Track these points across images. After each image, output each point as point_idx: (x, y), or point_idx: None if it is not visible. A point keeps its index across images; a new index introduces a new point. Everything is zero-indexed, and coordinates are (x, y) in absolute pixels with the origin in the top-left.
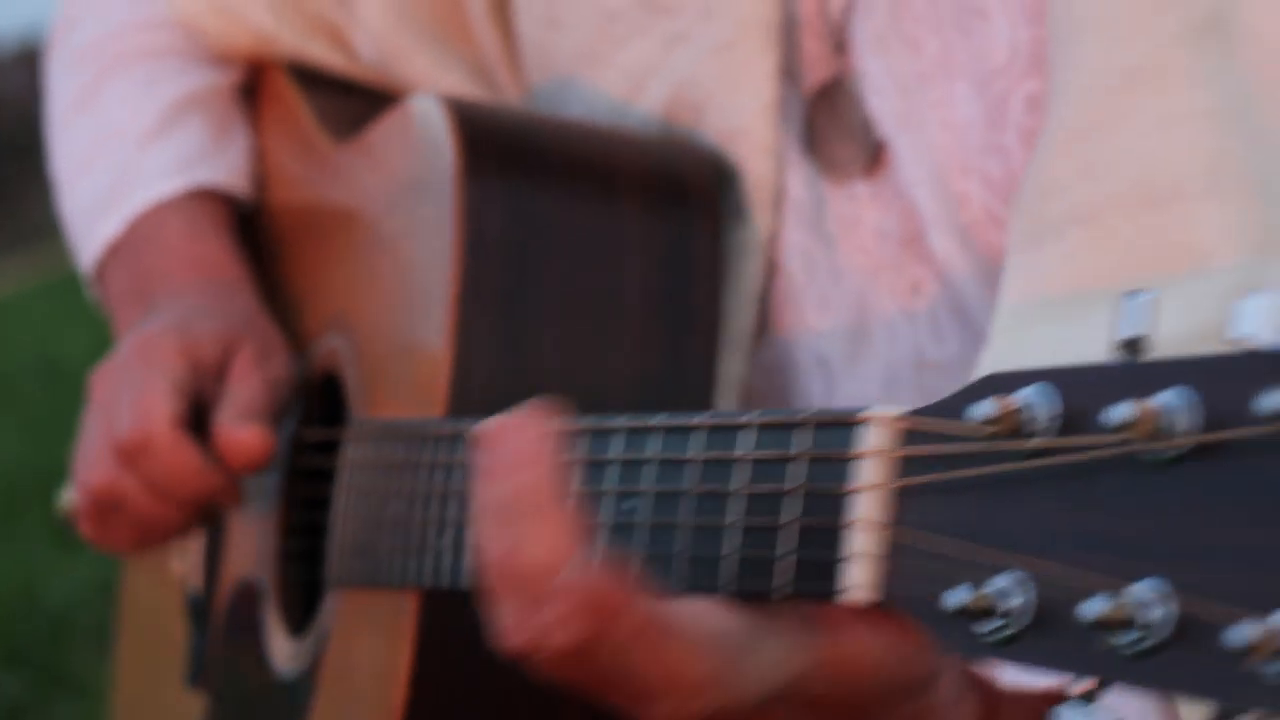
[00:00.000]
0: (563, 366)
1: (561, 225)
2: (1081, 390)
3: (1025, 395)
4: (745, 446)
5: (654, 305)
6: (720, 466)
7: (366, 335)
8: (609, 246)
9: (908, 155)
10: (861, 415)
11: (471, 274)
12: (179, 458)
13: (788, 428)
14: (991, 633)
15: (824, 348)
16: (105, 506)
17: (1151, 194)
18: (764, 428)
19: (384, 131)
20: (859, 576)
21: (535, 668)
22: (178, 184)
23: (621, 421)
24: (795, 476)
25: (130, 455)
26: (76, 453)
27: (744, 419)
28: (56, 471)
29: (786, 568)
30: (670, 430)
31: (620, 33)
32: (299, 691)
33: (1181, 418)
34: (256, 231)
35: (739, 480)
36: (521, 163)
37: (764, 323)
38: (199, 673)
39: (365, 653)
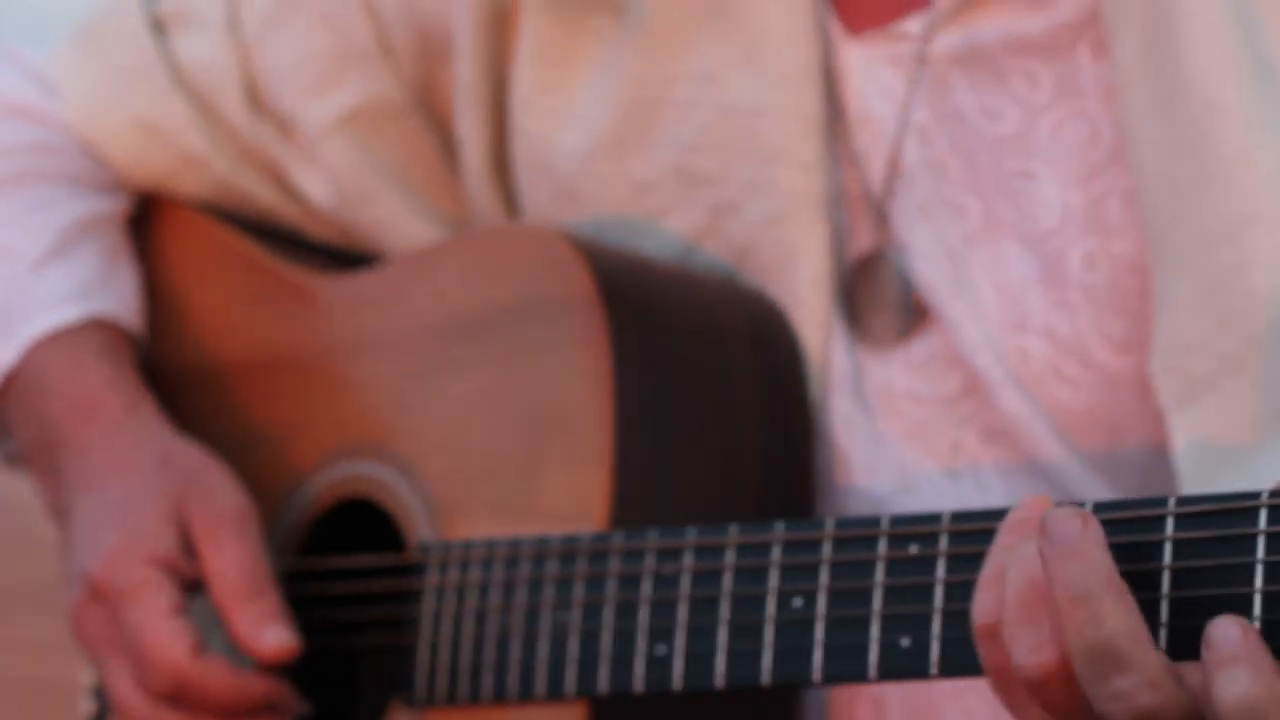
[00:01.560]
0: (697, 484)
1: (685, 359)
2: None
3: None
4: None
5: (764, 447)
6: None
7: (428, 458)
8: (725, 385)
9: (963, 320)
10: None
11: (621, 393)
12: (219, 684)
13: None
14: None
15: (877, 509)
16: None
17: None
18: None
19: (454, 260)
20: None
21: None
22: (75, 313)
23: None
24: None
25: (173, 697)
26: (113, 700)
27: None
28: None
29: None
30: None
31: (654, 204)
32: None
33: None
34: (174, 363)
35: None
36: (644, 293)
37: (815, 489)
38: None
39: None
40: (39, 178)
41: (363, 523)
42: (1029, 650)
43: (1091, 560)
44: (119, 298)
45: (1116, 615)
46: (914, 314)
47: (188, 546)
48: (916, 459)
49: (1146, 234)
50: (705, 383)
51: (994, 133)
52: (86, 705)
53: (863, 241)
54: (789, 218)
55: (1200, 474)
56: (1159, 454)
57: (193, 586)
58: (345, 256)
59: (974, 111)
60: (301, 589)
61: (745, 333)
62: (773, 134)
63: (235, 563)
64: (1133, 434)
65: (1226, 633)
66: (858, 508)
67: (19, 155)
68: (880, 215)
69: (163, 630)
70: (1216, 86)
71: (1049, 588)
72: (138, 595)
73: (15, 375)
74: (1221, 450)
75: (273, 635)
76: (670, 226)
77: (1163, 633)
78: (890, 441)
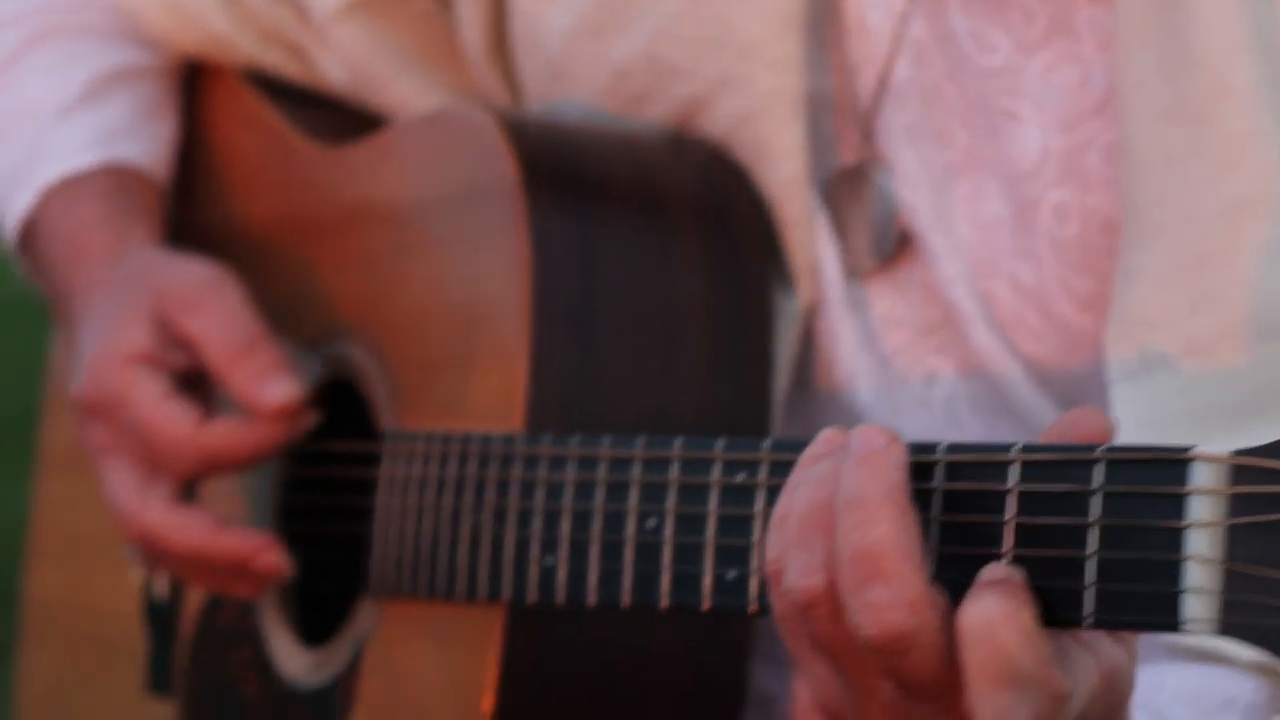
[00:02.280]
0: (631, 382)
1: (620, 242)
2: None
3: None
4: (1016, 479)
5: (711, 324)
6: (993, 498)
7: (396, 345)
8: (665, 264)
9: (941, 252)
10: (1190, 453)
11: (541, 288)
12: (239, 441)
13: (1083, 464)
14: None
15: (861, 418)
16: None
17: (1268, 324)
18: (1030, 464)
19: (411, 138)
20: (1198, 610)
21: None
22: (92, 158)
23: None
24: (1098, 510)
25: (199, 474)
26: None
27: (1011, 454)
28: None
29: (1096, 597)
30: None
31: (632, 91)
32: (328, 701)
33: None
34: (212, 233)
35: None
36: (576, 176)
37: (800, 383)
38: (164, 679)
39: (429, 663)
40: (73, 31)
41: (353, 404)
42: (800, 573)
43: (880, 470)
44: (145, 148)
45: (888, 524)
46: (898, 240)
47: (167, 341)
48: (890, 385)
49: (1125, 195)
50: (645, 273)
51: (985, 64)
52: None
53: (848, 156)
54: (762, 115)
55: None
56: None
57: (182, 376)
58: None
59: (967, 38)
60: (297, 470)
61: (698, 218)
62: (748, 27)
63: (218, 324)
64: (1090, 389)
65: (993, 568)
66: (840, 414)
67: (55, 11)
68: (866, 130)
69: (163, 416)
70: (1225, 63)
71: (832, 501)
72: (126, 396)
73: (33, 223)
74: (1163, 435)
75: (275, 387)
76: (650, 116)
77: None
78: (866, 361)
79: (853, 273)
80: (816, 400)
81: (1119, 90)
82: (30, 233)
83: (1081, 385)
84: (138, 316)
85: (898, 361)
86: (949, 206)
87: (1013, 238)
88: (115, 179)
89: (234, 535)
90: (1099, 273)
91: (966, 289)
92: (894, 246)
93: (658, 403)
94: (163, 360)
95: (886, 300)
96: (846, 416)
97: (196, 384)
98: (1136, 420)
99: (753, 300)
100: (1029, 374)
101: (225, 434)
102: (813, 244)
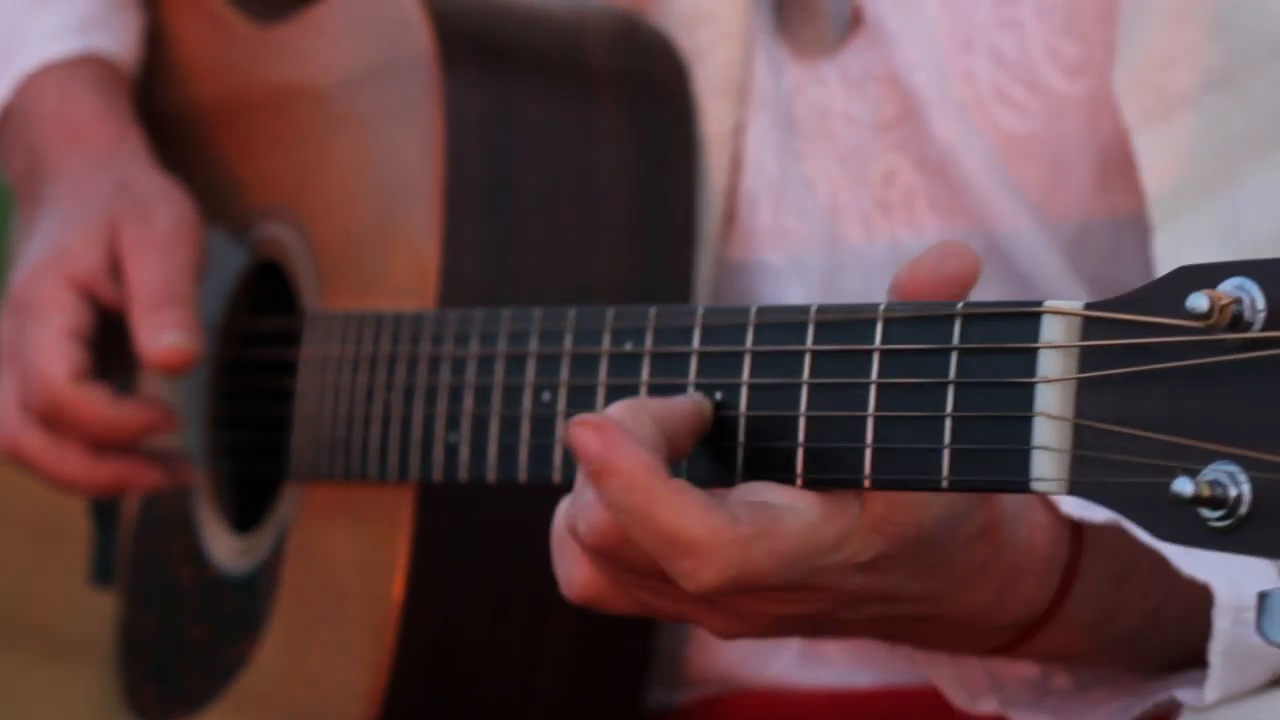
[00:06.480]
0: (547, 258)
1: (538, 115)
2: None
3: (1234, 289)
4: (881, 340)
5: (631, 197)
6: (856, 358)
7: (320, 224)
8: (585, 137)
9: (904, 37)
10: (1042, 308)
11: (455, 163)
12: (93, 412)
13: (938, 320)
14: (1215, 521)
15: (799, 251)
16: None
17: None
18: (901, 321)
19: (334, 13)
20: (1047, 469)
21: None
22: (71, 46)
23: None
24: (959, 369)
25: (47, 419)
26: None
27: (878, 311)
28: None
29: (954, 457)
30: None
31: None
32: (254, 587)
33: None
34: (162, 119)
35: (880, 373)
36: (495, 49)
37: (730, 220)
38: (108, 572)
39: (345, 546)
40: None
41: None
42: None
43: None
44: (118, 38)
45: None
46: (850, 23)
47: (113, 273)
48: (848, 185)
49: None
50: (564, 150)
51: None
52: None
53: None
54: None
55: (1174, 199)
56: (1103, 186)
57: (114, 312)
58: None
59: None
60: (229, 351)
61: (620, 91)
62: None
63: (150, 279)
64: (1076, 167)
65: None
66: (777, 248)
67: None
68: None
69: (51, 349)
70: None
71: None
72: (42, 312)
73: (9, 108)
74: (1197, 173)
75: (168, 337)
76: None
77: None
78: (819, 169)
79: (804, 60)
80: (741, 231)
81: None
82: (6, 124)
83: (1057, 171)
84: (97, 237)
85: (850, 164)
86: None
87: (993, 8)
88: (99, 71)
89: (109, 464)
90: (1087, 37)
91: (932, 72)
92: (845, 32)
93: (577, 281)
94: (102, 293)
95: (840, 98)
96: (773, 244)
97: (116, 334)
98: (1162, 168)
99: (675, 174)
100: (992, 162)
101: (85, 399)
102: (747, 58)
